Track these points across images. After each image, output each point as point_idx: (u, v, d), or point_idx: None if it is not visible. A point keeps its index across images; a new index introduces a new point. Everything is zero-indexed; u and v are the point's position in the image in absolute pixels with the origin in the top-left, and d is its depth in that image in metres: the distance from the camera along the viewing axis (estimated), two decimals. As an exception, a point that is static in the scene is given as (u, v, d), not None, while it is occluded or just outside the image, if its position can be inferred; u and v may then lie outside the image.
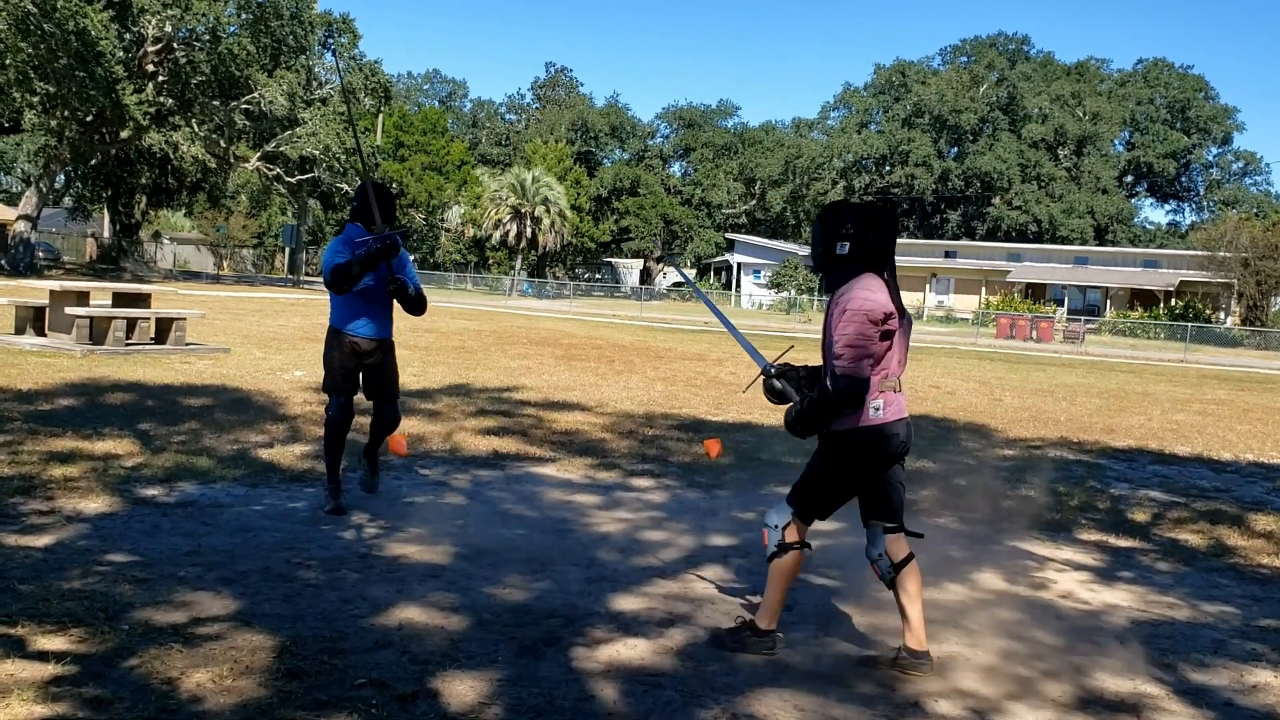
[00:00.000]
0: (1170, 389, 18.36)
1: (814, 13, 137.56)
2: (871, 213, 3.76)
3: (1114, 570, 5.48)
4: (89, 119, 34.08)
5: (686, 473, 7.39)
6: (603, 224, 72.41)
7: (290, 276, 53.58)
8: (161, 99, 35.24)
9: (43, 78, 31.05)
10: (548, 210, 59.08)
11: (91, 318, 12.42)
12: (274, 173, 40.34)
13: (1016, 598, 4.86)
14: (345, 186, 41.57)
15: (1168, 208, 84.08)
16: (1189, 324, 39.34)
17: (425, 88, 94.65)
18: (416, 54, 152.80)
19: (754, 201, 79.57)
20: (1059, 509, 6.86)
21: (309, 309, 25.22)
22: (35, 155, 44.41)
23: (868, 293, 3.60)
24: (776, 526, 3.83)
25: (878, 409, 3.66)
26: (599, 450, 8.02)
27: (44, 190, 37.71)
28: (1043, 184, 71.09)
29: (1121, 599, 4.96)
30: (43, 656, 3.36)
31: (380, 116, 52.71)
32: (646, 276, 72.54)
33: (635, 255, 74.62)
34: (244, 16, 36.73)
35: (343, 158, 38.82)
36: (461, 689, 3.36)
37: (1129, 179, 77.84)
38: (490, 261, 65.38)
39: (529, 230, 59.16)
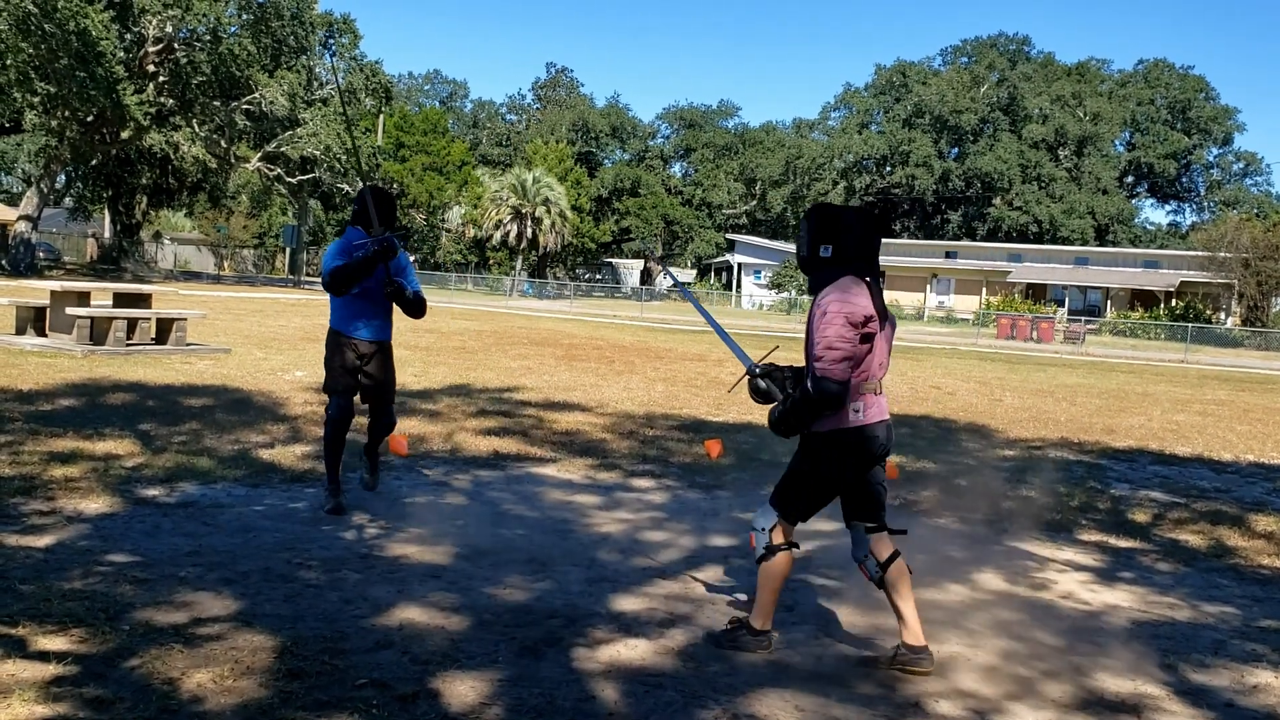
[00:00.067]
0: (1171, 389, 18.36)
1: (814, 13, 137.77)
2: (855, 217, 3.80)
3: (1114, 571, 5.48)
4: (90, 119, 34.10)
5: (687, 473, 7.40)
6: (603, 224, 72.44)
7: (291, 277, 53.59)
8: (162, 99, 35.26)
9: (43, 78, 31.07)
10: (548, 211, 59.09)
11: (92, 318, 12.43)
12: (275, 173, 40.34)
13: (1017, 598, 4.86)
14: (346, 187, 41.60)
15: (1168, 208, 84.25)
16: (1189, 324, 39.34)
17: (426, 88, 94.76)
18: (417, 54, 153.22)
19: (754, 202, 79.59)
20: (1059, 509, 6.86)
21: (310, 309, 25.22)
22: (36, 155, 44.44)
23: (849, 296, 3.63)
24: (763, 529, 3.85)
25: (858, 411, 3.69)
26: (600, 451, 8.02)
27: (45, 190, 37.73)
28: (1043, 184, 71.11)
29: (1122, 599, 4.96)
30: (44, 657, 3.36)
31: (381, 117, 52.75)
32: (647, 277, 72.49)
33: (636, 256, 74.63)
34: (245, 17, 36.75)
35: (344, 158, 38.83)
36: (462, 689, 3.37)
37: (1129, 179, 77.86)
38: (491, 262, 65.40)
39: (529, 231, 59.16)
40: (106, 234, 50.25)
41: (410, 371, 12.01)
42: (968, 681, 3.76)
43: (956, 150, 75.05)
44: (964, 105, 71.82)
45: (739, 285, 65.19)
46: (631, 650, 3.84)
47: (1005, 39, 79.75)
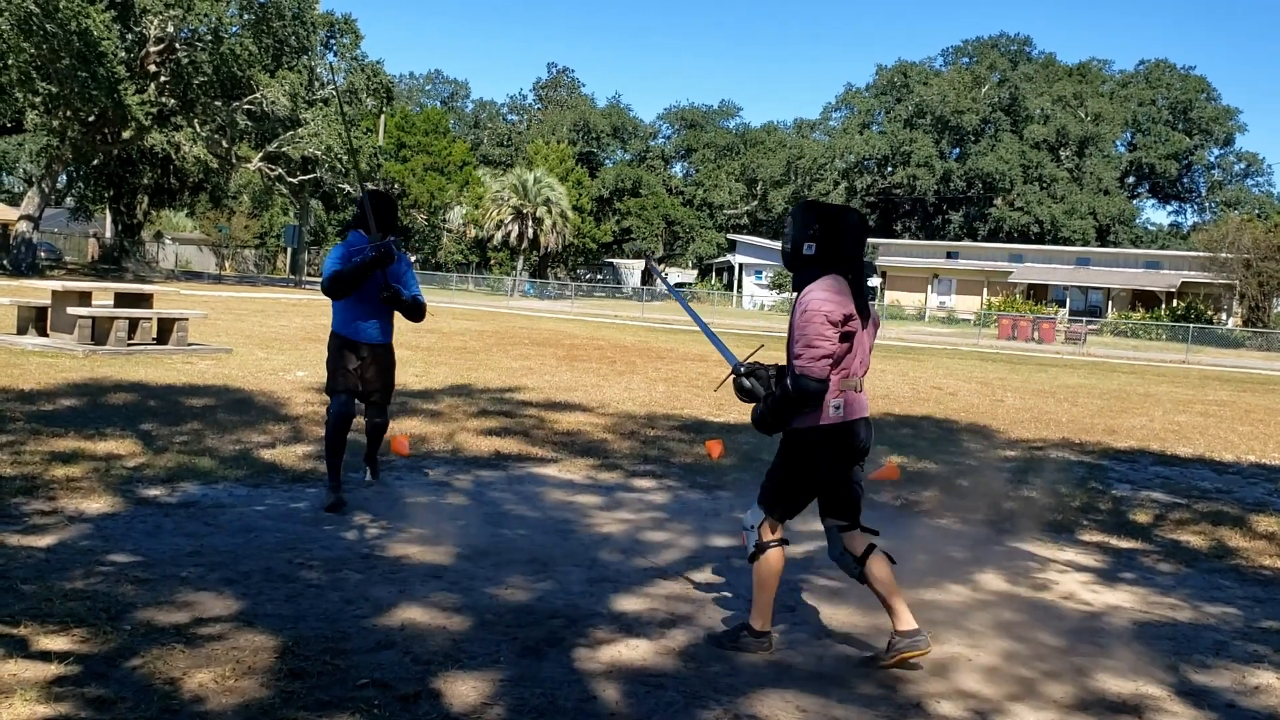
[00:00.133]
0: (1172, 390, 18.36)
1: (815, 13, 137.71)
2: (839, 215, 3.80)
3: (1116, 571, 5.48)
4: (91, 119, 34.12)
5: (688, 473, 7.39)
6: (604, 224, 72.43)
7: (292, 277, 53.62)
8: (164, 99, 35.28)
9: (45, 78, 31.10)
10: (549, 211, 59.08)
11: (94, 318, 12.43)
12: (276, 173, 40.35)
13: (1018, 599, 4.86)
14: (347, 187, 41.61)
15: (1169, 209, 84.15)
16: (1191, 325, 39.31)
17: (427, 88, 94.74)
18: (418, 55, 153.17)
19: (756, 202, 79.56)
20: (1061, 510, 6.85)
21: (311, 309, 25.23)
22: (37, 155, 44.51)
23: (829, 294, 3.64)
24: (752, 527, 3.88)
25: (838, 408, 3.70)
26: (601, 451, 8.02)
27: (46, 190, 37.76)
28: (1044, 185, 71.08)
29: (1123, 600, 4.96)
30: (45, 656, 3.36)
31: (382, 117, 52.75)
32: (648, 277, 72.48)
33: (637, 256, 74.62)
34: (246, 17, 36.77)
35: (345, 158, 38.86)
36: (464, 689, 3.37)
37: (1131, 180, 77.82)
38: (492, 262, 65.40)
39: (531, 231, 59.15)
40: (108, 234, 50.29)
41: (412, 372, 12.02)
42: (969, 682, 3.76)
43: (958, 151, 75.02)
44: (965, 106, 71.79)
45: (740, 285, 65.19)
46: (633, 650, 3.84)
47: (1006, 39, 79.73)
